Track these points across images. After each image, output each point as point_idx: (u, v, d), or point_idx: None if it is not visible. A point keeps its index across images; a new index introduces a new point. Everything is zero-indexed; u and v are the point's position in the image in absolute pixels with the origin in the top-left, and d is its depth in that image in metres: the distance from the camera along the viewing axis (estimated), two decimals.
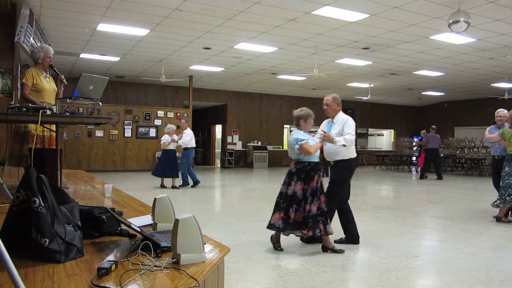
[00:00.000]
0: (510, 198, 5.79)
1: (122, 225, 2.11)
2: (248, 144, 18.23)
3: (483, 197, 9.22)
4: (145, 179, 11.80)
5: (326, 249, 4.20)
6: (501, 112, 6.50)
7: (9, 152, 4.26)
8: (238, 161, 18.27)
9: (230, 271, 3.45)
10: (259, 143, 18.39)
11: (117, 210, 2.59)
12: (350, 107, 20.78)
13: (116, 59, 12.08)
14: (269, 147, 18.40)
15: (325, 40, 9.70)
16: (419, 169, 13.71)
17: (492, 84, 15.38)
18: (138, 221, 2.38)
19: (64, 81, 4.38)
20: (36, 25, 7.43)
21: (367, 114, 21.53)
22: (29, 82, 4.09)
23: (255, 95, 18.67)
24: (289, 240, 4.93)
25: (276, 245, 4.25)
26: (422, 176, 13.27)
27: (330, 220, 4.34)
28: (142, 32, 9.24)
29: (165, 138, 9.34)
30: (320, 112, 4.97)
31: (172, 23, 8.56)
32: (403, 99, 20.42)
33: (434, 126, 13.48)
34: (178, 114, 15.27)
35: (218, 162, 19.63)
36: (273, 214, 4.19)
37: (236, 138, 18.21)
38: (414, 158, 18.58)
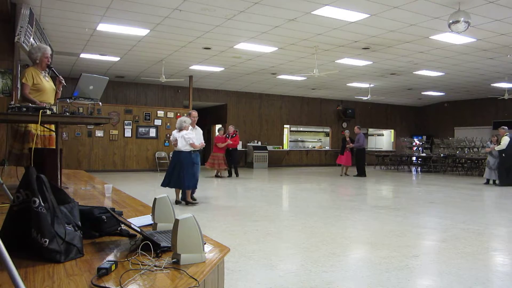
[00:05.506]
0: None
1: (122, 225, 2.11)
2: (248, 144, 18.23)
3: (483, 197, 9.22)
4: (145, 179, 11.80)
5: None
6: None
7: (8, 151, 4.26)
8: (238, 161, 18.25)
9: (230, 271, 3.45)
10: (259, 143, 18.39)
11: (117, 210, 2.59)
12: (350, 107, 20.82)
13: (116, 59, 12.08)
14: (269, 147, 18.40)
15: (325, 40, 9.70)
16: (346, 168, 14.20)
17: (492, 84, 15.39)
18: (138, 221, 2.38)
19: (63, 82, 4.37)
20: (36, 25, 7.43)
21: (367, 114, 21.54)
22: (29, 82, 4.10)
23: (255, 95, 18.67)
24: (289, 239, 4.93)
25: None
26: (362, 174, 13.71)
27: None
28: (142, 32, 9.24)
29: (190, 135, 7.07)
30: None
31: (172, 23, 8.56)
32: (403, 99, 20.42)
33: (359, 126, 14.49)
34: (178, 114, 15.27)
35: None
36: None
37: None
38: (414, 159, 18.62)
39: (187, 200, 7.11)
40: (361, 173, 13.70)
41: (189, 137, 6.85)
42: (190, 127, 7.31)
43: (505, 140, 11.22)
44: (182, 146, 6.90)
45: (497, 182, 11.42)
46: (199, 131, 7.66)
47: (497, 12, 7.56)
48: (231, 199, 8.78)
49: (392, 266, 3.74)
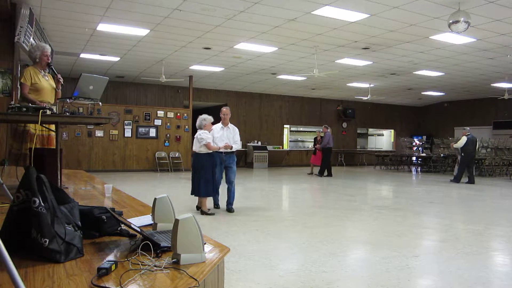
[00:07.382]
0: None
1: (122, 225, 2.10)
2: (248, 144, 18.23)
3: (483, 197, 9.22)
4: (145, 179, 11.80)
5: None
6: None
7: (8, 151, 4.26)
8: (238, 161, 18.25)
9: (230, 271, 3.45)
10: (259, 143, 18.39)
11: (117, 210, 2.60)
12: (350, 107, 20.81)
13: (116, 59, 12.08)
14: (269, 147, 18.39)
15: (325, 40, 9.70)
16: (314, 168, 14.49)
17: (492, 84, 15.38)
18: (138, 221, 2.38)
19: (61, 80, 4.38)
20: (36, 25, 7.43)
21: (367, 114, 21.53)
22: (28, 82, 4.10)
23: (255, 95, 18.67)
24: (289, 239, 4.93)
25: None
26: (323, 174, 13.86)
27: None
28: (142, 32, 9.24)
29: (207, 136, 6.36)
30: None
31: (172, 23, 8.56)
32: (403, 99, 20.42)
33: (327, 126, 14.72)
34: (178, 114, 15.28)
35: None
36: None
37: None
38: (414, 159, 18.62)
39: (201, 209, 6.35)
40: (321, 173, 13.82)
41: (202, 137, 6.15)
42: (221, 126, 6.75)
43: (462, 140, 11.94)
44: (196, 148, 6.26)
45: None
46: (232, 131, 6.82)
47: (497, 12, 7.55)
48: None
49: (392, 266, 3.74)
